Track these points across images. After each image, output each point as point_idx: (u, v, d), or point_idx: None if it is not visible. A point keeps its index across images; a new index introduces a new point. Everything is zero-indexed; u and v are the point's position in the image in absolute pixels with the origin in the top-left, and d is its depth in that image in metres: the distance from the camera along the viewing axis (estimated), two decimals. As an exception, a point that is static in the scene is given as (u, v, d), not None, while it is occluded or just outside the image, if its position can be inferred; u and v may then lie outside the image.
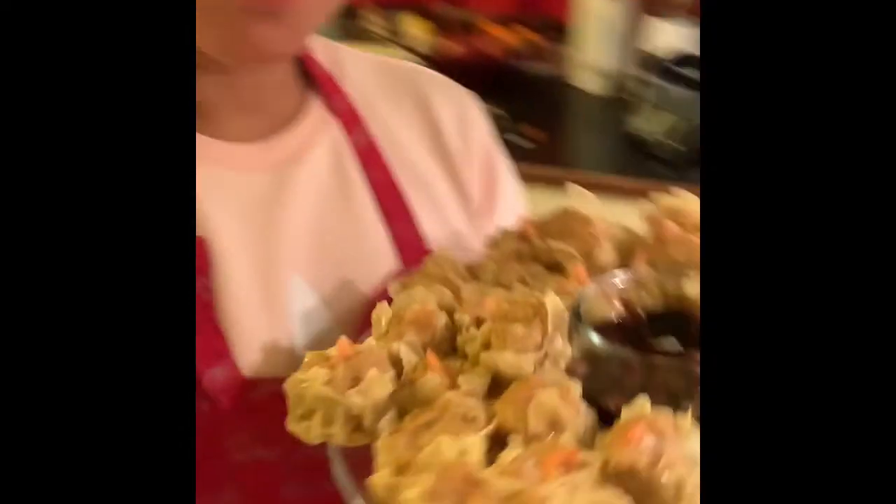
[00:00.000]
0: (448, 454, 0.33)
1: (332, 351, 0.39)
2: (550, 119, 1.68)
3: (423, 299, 0.46)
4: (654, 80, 1.52)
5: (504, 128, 1.57)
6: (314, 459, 0.52)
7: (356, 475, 0.37)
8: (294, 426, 0.39)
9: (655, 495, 0.33)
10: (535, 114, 1.67)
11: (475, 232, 0.66)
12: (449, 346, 0.44)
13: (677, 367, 0.38)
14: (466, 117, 0.68)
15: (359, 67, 0.65)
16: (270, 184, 0.56)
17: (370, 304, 0.56)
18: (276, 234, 0.55)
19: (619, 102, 1.64)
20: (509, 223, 0.71)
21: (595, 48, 1.72)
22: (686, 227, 0.51)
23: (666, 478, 0.32)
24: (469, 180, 0.66)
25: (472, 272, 0.52)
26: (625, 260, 0.51)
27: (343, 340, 0.40)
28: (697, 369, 0.38)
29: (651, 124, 1.51)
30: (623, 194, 1.47)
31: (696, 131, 1.47)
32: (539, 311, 0.40)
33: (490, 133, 0.70)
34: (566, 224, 0.51)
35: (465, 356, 0.43)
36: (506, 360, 0.39)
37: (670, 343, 0.44)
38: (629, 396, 0.38)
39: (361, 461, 0.38)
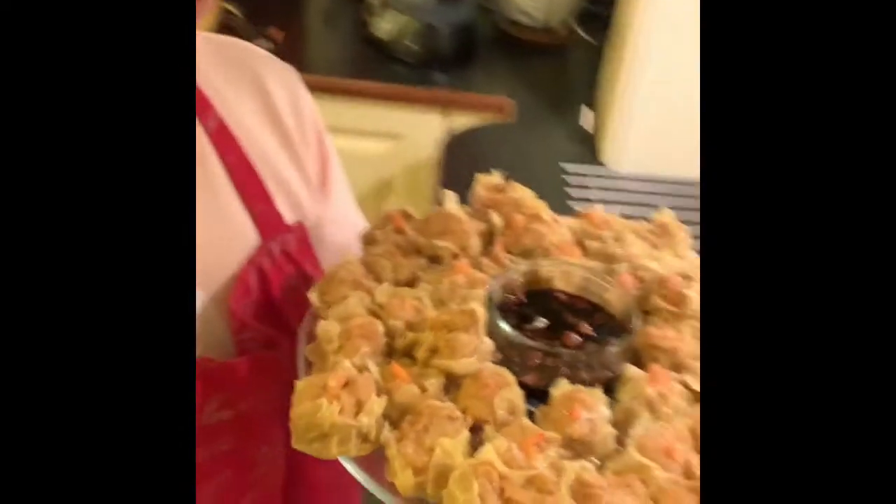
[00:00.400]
0: (456, 454, 0.45)
1: (329, 380, 0.47)
2: (288, 18, 1.65)
3: (357, 310, 0.55)
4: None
5: (244, 29, 1.52)
6: (208, 429, 0.59)
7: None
8: (306, 447, 0.46)
9: (592, 450, 0.48)
10: (273, 13, 1.63)
11: (318, 212, 0.73)
12: (388, 350, 0.54)
13: (577, 355, 0.53)
14: (297, 96, 0.72)
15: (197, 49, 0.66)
16: None
17: (239, 283, 0.62)
18: None
19: (357, 2, 1.66)
20: (342, 202, 0.79)
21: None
22: (527, 217, 0.65)
23: (599, 438, 0.48)
24: (306, 160, 0.72)
25: (371, 271, 0.60)
26: (486, 249, 0.64)
27: (339, 373, 0.48)
28: (589, 355, 0.53)
29: (387, 25, 1.55)
30: (364, 98, 1.54)
31: (429, 31, 1.56)
32: (474, 319, 0.52)
33: (317, 111, 0.75)
34: (444, 224, 0.62)
35: (405, 356, 0.54)
36: (460, 365, 0.50)
37: (540, 322, 0.58)
38: (540, 375, 0.52)
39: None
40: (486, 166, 1.35)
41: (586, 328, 0.55)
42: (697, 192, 1.37)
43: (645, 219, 0.69)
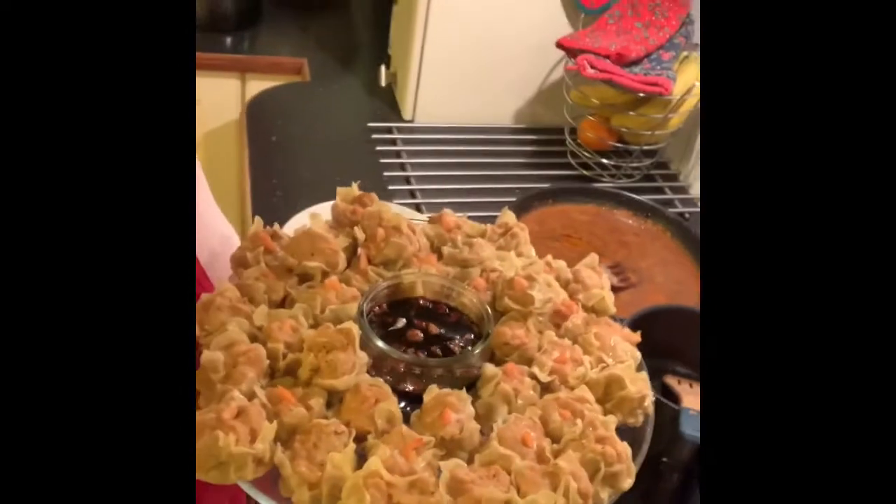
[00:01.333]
0: (345, 467, 0.51)
1: (223, 413, 0.51)
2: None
3: (239, 336, 0.59)
4: None
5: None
6: None
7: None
8: (204, 476, 0.51)
9: (462, 447, 0.55)
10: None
11: None
12: (271, 371, 0.59)
13: (441, 364, 0.60)
14: None
15: None
16: None
17: None
18: None
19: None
20: (204, 204, 0.81)
21: None
22: (388, 230, 0.70)
23: (467, 434, 0.55)
24: None
25: (246, 294, 0.64)
26: (351, 261, 0.69)
27: (231, 405, 0.52)
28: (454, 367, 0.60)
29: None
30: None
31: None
32: (350, 337, 0.57)
33: None
34: (312, 243, 0.66)
35: (287, 374, 0.59)
36: (341, 382, 0.56)
37: (401, 322, 0.65)
38: (414, 381, 0.59)
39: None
40: (288, 128, 1.38)
41: (434, 328, 0.63)
42: (487, 137, 1.41)
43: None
